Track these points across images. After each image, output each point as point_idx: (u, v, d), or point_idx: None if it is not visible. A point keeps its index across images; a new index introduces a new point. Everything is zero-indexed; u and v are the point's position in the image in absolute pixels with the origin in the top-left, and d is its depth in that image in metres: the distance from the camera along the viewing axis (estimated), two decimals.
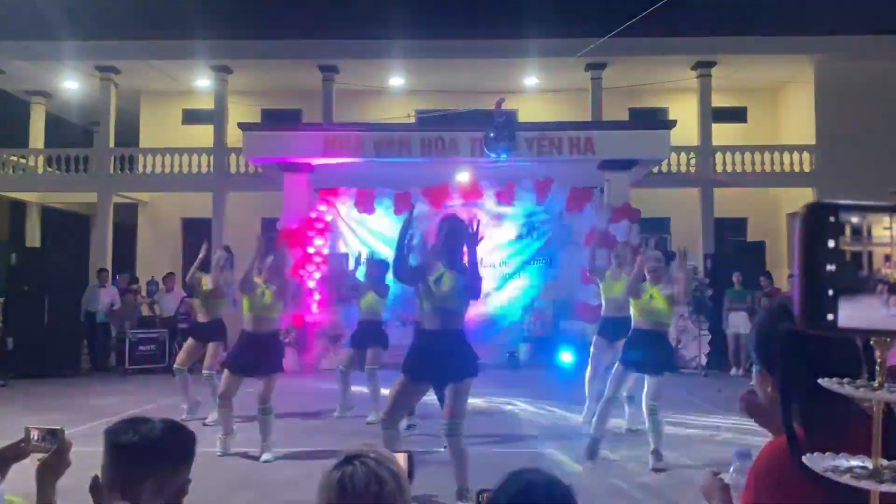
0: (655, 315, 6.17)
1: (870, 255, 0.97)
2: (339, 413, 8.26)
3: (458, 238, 4.90)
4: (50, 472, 1.97)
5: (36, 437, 1.99)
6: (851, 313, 0.96)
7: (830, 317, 0.96)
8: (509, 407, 9.10)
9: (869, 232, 0.97)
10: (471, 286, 4.89)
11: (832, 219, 0.97)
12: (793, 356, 1.35)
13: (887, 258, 0.98)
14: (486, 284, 13.59)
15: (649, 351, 6.11)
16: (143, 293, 15.47)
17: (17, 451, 2.01)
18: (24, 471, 2.05)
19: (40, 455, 1.99)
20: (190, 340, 8.29)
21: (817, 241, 0.97)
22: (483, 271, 5.49)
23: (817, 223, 0.98)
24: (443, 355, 4.81)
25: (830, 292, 0.96)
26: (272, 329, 6.66)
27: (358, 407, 8.45)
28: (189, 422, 7.22)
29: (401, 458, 1.95)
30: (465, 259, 4.92)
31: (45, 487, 1.97)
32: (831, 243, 0.97)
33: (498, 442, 7.04)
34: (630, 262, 7.07)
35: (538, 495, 1.52)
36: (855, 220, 0.97)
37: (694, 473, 5.57)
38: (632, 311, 6.32)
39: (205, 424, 7.46)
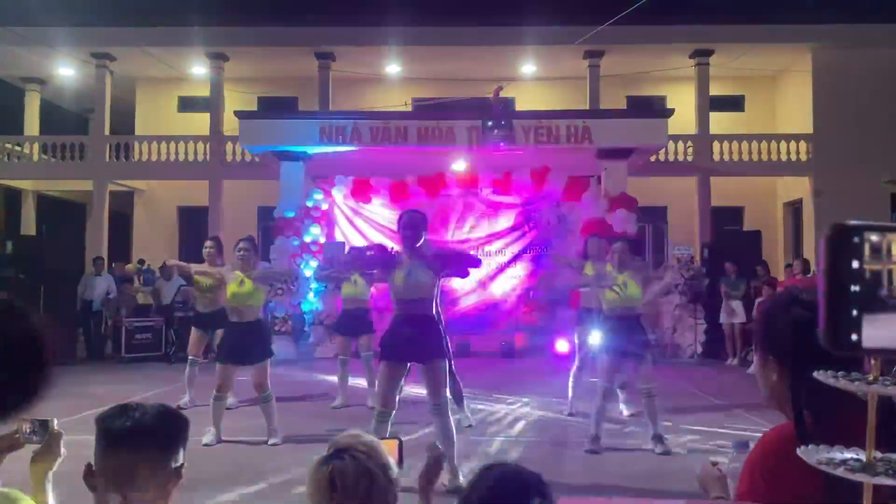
0: (630, 301, 6.26)
1: (889, 273, 0.97)
2: (341, 402, 8.24)
3: (415, 228, 5.13)
4: (43, 463, 1.97)
5: (27, 429, 1.99)
6: (874, 333, 0.96)
7: (854, 337, 0.97)
8: (504, 396, 9.10)
9: (889, 250, 0.97)
10: (450, 266, 5.24)
11: (856, 239, 0.97)
12: (803, 344, 1.36)
13: None
14: (483, 273, 13.69)
15: (630, 337, 6.19)
16: (140, 281, 15.48)
17: (10, 442, 2.01)
18: (21, 461, 2.05)
19: (34, 446, 1.99)
20: (194, 330, 8.32)
21: (842, 262, 0.97)
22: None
23: (842, 244, 0.98)
24: (413, 336, 5.02)
25: (854, 312, 0.96)
26: (255, 316, 6.69)
27: (354, 394, 8.48)
28: (186, 409, 7.24)
29: (392, 445, 1.96)
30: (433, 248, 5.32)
31: (40, 478, 1.97)
32: (855, 264, 0.97)
33: (492, 433, 7.05)
34: (601, 255, 7.13)
35: (510, 488, 1.54)
36: (875, 238, 0.97)
37: (690, 461, 5.59)
38: (605, 299, 6.38)
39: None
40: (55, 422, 2.02)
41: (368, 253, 5.66)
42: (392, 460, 1.72)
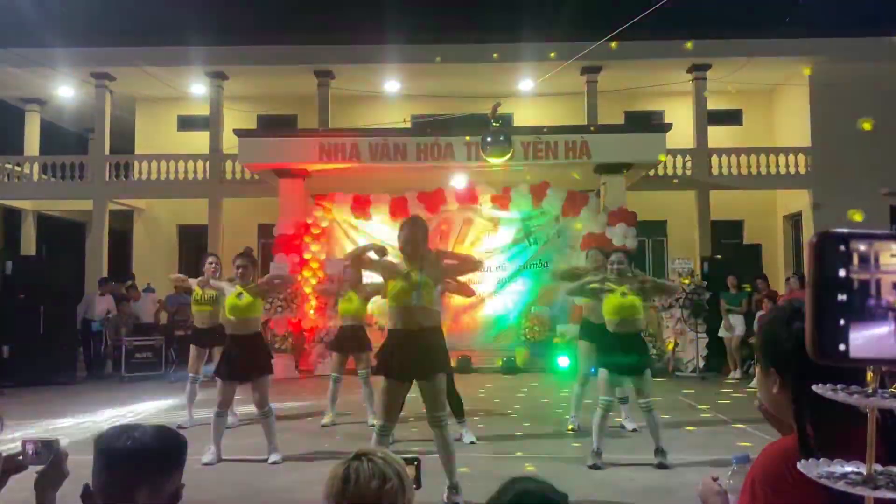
0: (629, 312, 6.24)
1: (877, 283, 0.96)
2: (329, 420, 8.18)
3: (419, 236, 5.05)
4: (48, 483, 1.96)
5: (31, 450, 1.98)
6: (862, 343, 0.95)
7: (842, 347, 0.96)
8: (507, 411, 9.07)
9: (876, 260, 0.97)
10: (452, 271, 5.22)
11: (843, 248, 0.97)
12: (805, 357, 1.35)
13: (895, 286, 0.97)
14: (484, 288, 13.69)
15: (630, 351, 6.18)
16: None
17: (13, 464, 2.00)
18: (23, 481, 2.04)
19: (39, 467, 1.98)
20: (193, 347, 8.31)
21: (828, 271, 0.97)
22: (472, 275, 5.58)
23: (828, 252, 0.97)
24: (413, 351, 4.92)
25: (842, 322, 0.95)
26: (254, 331, 6.68)
27: (353, 412, 8.46)
28: (186, 429, 7.22)
29: (409, 466, 1.96)
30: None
31: (44, 499, 1.96)
32: (842, 273, 0.96)
33: (496, 447, 7.02)
34: (603, 267, 7.11)
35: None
36: (862, 247, 0.97)
37: (691, 475, 5.56)
38: (604, 310, 6.36)
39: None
40: (60, 442, 2.01)
41: (370, 254, 5.38)
42: (409, 472, 1.74)
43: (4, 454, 2.02)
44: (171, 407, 9.21)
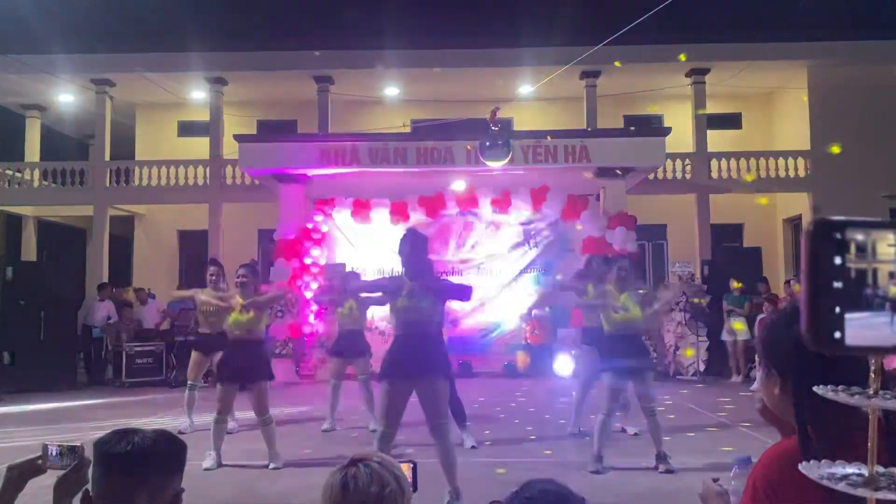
0: (631, 320, 6.27)
1: (874, 271, 0.96)
2: (329, 426, 8.18)
3: (419, 251, 5.14)
4: (68, 488, 1.95)
5: (53, 454, 1.96)
6: (858, 331, 0.95)
7: (837, 335, 0.95)
8: (508, 415, 9.06)
9: (874, 248, 0.96)
10: (448, 293, 5.31)
11: (838, 235, 0.96)
12: (805, 358, 1.35)
13: (892, 275, 0.97)
14: (484, 293, 13.67)
15: (631, 355, 6.18)
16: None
17: (32, 467, 1.99)
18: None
19: (58, 471, 1.96)
20: (195, 354, 8.28)
21: (824, 259, 0.96)
22: (473, 279, 5.61)
23: (823, 240, 0.97)
24: (415, 355, 5.00)
25: (837, 310, 0.95)
26: (256, 338, 6.67)
27: (353, 417, 8.45)
28: (186, 434, 7.21)
29: (405, 469, 1.95)
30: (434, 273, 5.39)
31: (61, 502, 1.95)
32: (838, 260, 0.96)
33: (496, 452, 7.01)
34: (603, 275, 7.11)
35: None
36: (860, 236, 0.96)
37: (692, 479, 5.55)
38: (606, 317, 6.39)
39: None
40: (84, 449, 1.99)
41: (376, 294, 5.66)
42: (406, 476, 1.74)
43: (23, 457, 2.01)
44: (171, 412, 9.19)
